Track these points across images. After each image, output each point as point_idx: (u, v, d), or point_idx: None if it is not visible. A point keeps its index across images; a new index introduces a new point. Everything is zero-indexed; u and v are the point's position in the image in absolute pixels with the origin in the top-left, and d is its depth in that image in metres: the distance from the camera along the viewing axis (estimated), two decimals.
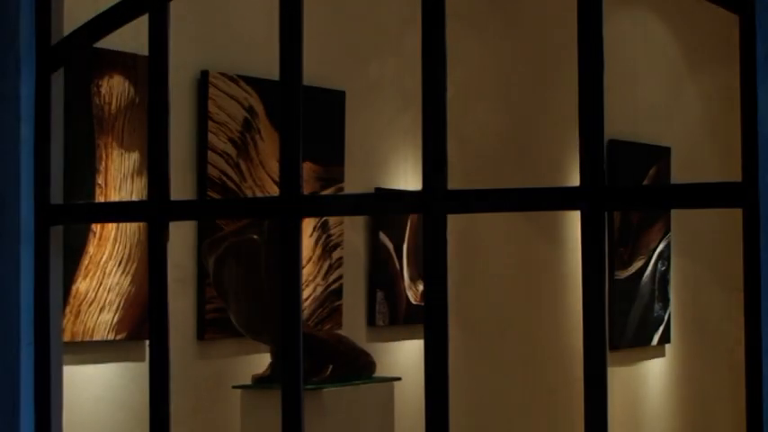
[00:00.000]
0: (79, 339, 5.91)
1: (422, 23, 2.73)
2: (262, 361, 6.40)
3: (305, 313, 6.89)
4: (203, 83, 6.61)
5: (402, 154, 7.90)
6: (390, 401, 6.65)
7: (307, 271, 7.09)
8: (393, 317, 7.88)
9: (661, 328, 10.72)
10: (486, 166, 8.10)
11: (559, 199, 2.89)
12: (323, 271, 7.36)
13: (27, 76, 3.03)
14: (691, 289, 11.12)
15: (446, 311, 2.71)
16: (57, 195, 3.05)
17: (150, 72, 2.99)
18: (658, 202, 2.80)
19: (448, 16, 2.73)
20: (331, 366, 6.31)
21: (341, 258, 7.49)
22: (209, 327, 6.59)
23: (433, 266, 2.72)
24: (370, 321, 7.74)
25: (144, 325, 5.99)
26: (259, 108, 6.87)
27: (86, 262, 5.98)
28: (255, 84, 6.82)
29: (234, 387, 6.37)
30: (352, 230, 7.62)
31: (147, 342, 3.03)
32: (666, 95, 10.91)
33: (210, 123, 6.62)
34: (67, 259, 5.18)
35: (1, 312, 3.00)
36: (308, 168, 7.11)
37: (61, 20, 3.09)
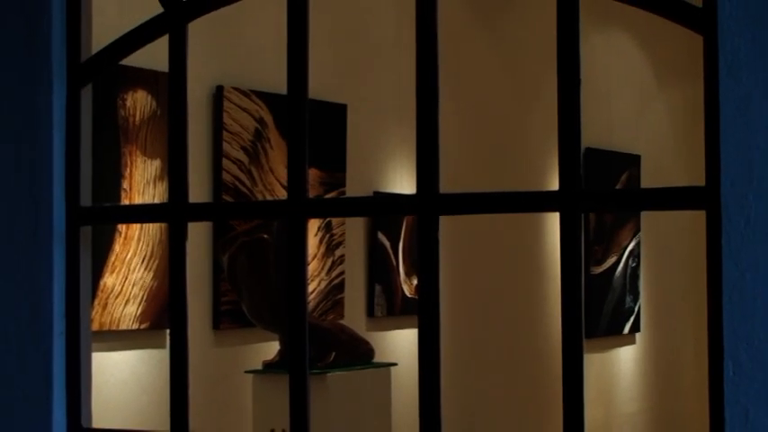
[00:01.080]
0: (106, 329, 5.91)
1: (416, 44, 2.73)
2: (271, 348, 6.39)
3: (310, 305, 6.89)
4: (218, 97, 6.61)
5: (398, 161, 7.90)
6: (387, 385, 6.64)
7: (312, 267, 7.09)
8: (390, 308, 7.88)
9: (632, 319, 10.73)
10: (474, 171, 8.10)
11: (540, 202, 2.89)
12: (326, 267, 7.36)
13: (58, 90, 3.03)
14: (659, 283, 11.13)
15: (438, 303, 2.71)
16: (86, 198, 3.05)
17: (170, 87, 2.99)
18: (629, 205, 2.80)
19: (439, 37, 2.73)
20: (334, 353, 6.31)
21: (343, 256, 7.49)
22: (224, 317, 6.59)
23: (426, 263, 2.72)
24: (370, 312, 7.74)
25: (165, 316, 5.99)
26: (269, 119, 6.87)
27: (113, 259, 5.98)
28: (266, 97, 6.82)
29: (246, 372, 6.37)
30: (353, 230, 7.62)
31: (168, 331, 3.03)
32: (637, 108, 10.91)
33: (225, 133, 6.62)
34: (96, 256, 5.18)
35: (35, 304, 3.00)
36: (313, 174, 7.11)
37: (90, 39, 3.09)
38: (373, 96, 7.66)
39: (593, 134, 9.27)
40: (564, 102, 2.59)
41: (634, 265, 10.72)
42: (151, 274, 6.17)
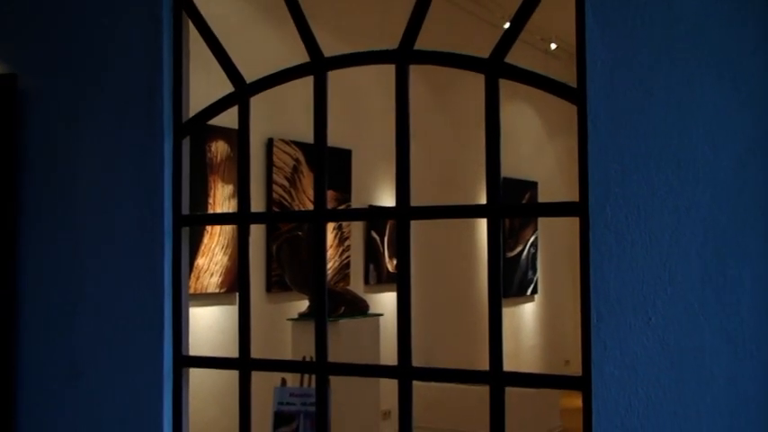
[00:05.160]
0: (198, 292, 5.91)
1: (395, 110, 2.74)
2: (303, 304, 6.39)
3: (328, 277, 6.88)
4: (269, 145, 6.61)
5: (384, 185, 7.91)
6: (377, 328, 6.65)
7: (329, 253, 7.09)
8: (379, 279, 7.89)
9: (532, 285, 10.76)
10: (433, 192, 8.10)
11: (475, 211, 2.89)
12: (338, 253, 7.37)
13: (168, 141, 3.03)
14: (549, 263, 11.16)
15: (409, 276, 2.71)
16: (185, 209, 3.05)
17: (239, 139, 2.99)
18: (531, 213, 2.80)
19: (409, 105, 2.73)
20: (343, 307, 6.31)
21: (349, 246, 7.50)
22: (274, 285, 6.58)
23: (401, 250, 2.72)
24: (366, 281, 7.75)
25: (235, 283, 5.98)
26: (302, 159, 6.87)
27: (203, 247, 5.98)
28: (300, 145, 6.83)
29: (288, 319, 6.37)
30: (356, 229, 7.63)
31: (237, 294, 3.03)
32: (535, 151, 10.95)
33: (274, 168, 6.62)
34: (192, 246, 5.14)
35: (153, 278, 3.00)
36: (330, 194, 7.10)
37: (188, 106, 3.08)
38: (369, 144, 7.67)
39: (508, 168, 9.26)
40: (489, 147, 2.59)
41: (533, 251, 10.75)
42: (227, 257, 6.16)
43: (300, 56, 2.88)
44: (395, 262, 8.33)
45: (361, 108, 7.61)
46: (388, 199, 7.89)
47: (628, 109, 2.30)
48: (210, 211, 5.99)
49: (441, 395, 7.97)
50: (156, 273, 2.98)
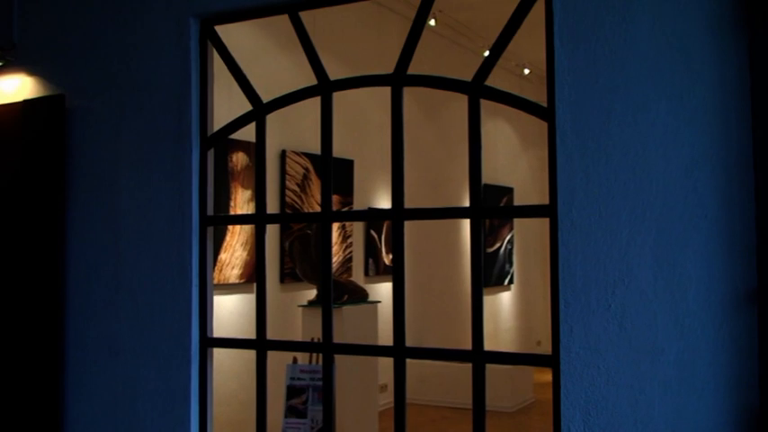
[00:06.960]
0: (221, 283, 5.90)
1: (391, 125, 2.75)
2: (312, 293, 6.38)
3: (333, 269, 6.87)
4: (283, 156, 6.61)
5: (382, 190, 7.91)
6: (375, 313, 6.64)
7: (334, 249, 7.08)
8: (377, 271, 7.88)
9: (509, 277, 10.76)
10: (424, 196, 8.10)
11: (460, 213, 2.90)
12: (342, 248, 7.36)
13: (195, 152, 3.03)
14: (524, 257, 11.16)
15: (403, 268, 2.72)
16: (210, 210, 3.05)
17: (257, 151, 2.99)
18: (507, 214, 2.81)
19: (404, 122, 2.74)
20: (346, 296, 6.30)
21: (351, 242, 7.50)
22: (286, 276, 6.58)
23: (396, 247, 2.73)
24: (366, 273, 7.75)
25: (253, 275, 5.97)
26: (311, 168, 6.87)
27: (225, 244, 5.97)
28: (309, 156, 6.82)
29: (298, 306, 6.36)
30: (357, 228, 7.63)
31: (255, 284, 3.03)
32: (511, 161, 10.95)
33: (287, 176, 6.61)
34: (216, 243, 5.12)
35: (182, 271, 3.00)
36: (335, 198, 7.11)
37: (213, 122, 3.09)
38: (368, 155, 7.67)
39: (487, 176, 9.29)
40: (472, 157, 2.60)
41: (510, 247, 10.75)
42: (246, 252, 6.16)
43: (309, 79, 2.89)
44: (391, 256, 8.35)
45: (361, 124, 7.61)
46: (384, 202, 7.89)
47: (590, 125, 2.31)
48: (232, 212, 5.98)
49: (430, 371, 7.97)
50: (185, 265, 2.99)
